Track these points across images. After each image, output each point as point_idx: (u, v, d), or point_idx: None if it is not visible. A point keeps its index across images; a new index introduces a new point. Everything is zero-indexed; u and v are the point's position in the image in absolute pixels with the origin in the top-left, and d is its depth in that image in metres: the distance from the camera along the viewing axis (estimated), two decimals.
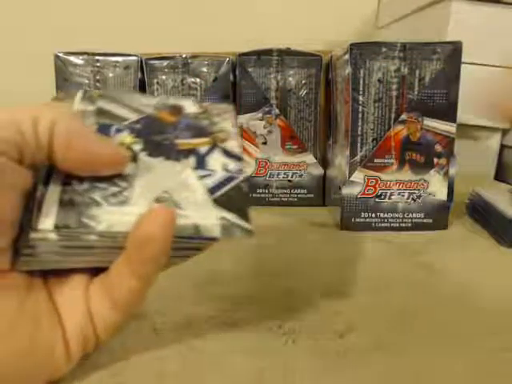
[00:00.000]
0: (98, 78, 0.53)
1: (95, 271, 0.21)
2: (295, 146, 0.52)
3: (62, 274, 0.20)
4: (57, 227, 0.18)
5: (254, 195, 0.54)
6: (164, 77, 0.53)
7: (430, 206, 0.44)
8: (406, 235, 0.43)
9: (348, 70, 0.42)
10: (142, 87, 0.53)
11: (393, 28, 0.75)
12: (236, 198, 0.21)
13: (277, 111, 0.52)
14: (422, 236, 0.42)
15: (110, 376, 0.21)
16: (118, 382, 0.21)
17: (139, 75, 0.53)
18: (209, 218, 0.20)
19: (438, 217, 0.44)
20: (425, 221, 0.44)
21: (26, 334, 0.18)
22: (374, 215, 0.44)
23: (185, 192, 0.21)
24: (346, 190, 0.43)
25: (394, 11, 0.75)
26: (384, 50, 0.42)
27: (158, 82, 0.53)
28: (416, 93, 0.42)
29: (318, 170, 0.53)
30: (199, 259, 0.23)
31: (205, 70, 0.52)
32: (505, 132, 0.67)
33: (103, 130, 0.21)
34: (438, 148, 0.43)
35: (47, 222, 0.18)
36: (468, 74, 0.45)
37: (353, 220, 0.44)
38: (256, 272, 0.34)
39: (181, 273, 0.25)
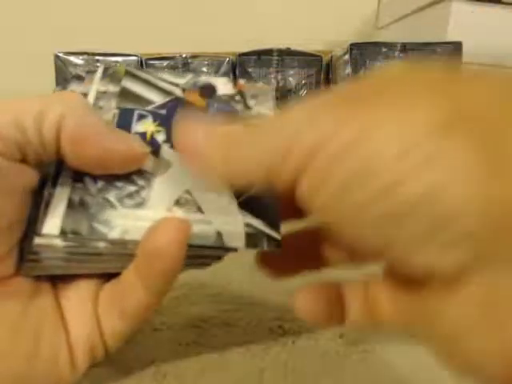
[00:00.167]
0: None
1: (106, 276, 0.19)
2: None
3: (70, 278, 0.19)
4: (63, 232, 0.16)
5: None
6: None
7: None
8: None
9: (348, 70, 0.42)
10: None
11: (393, 28, 0.75)
12: (264, 201, 0.18)
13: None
14: None
15: (110, 376, 0.21)
16: (117, 381, 0.21)
17: None
18: (233, 224, 0.18)
19: None
20: None
21: (27, 342, 0.17)
22: None
23: (208, 193, 0.18)
24: None
25: (394, 11, 0.75)
26: (384, 50, 0.42)
27: None
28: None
29: None
30: None
31: (205, 69, 0.53)
32: None
33: (124, 115, 0.19)
34: None
35: (52, 226, 0.17)
36: None
37: None
38: (256, 272, 0.34)
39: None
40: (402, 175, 0.12)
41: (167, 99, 0.20)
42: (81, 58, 0.53)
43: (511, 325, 0.12)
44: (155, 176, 0.18)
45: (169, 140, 0.19)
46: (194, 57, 0.52)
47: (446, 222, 0.12)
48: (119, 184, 0.18)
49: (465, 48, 0.41)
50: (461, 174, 0.11)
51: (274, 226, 0.18)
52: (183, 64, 0.52)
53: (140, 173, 0.18)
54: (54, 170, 0.18)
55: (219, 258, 0.20)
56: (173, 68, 0.53)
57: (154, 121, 0.20)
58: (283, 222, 0.19)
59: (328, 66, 0.52)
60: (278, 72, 0.52)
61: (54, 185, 0.17)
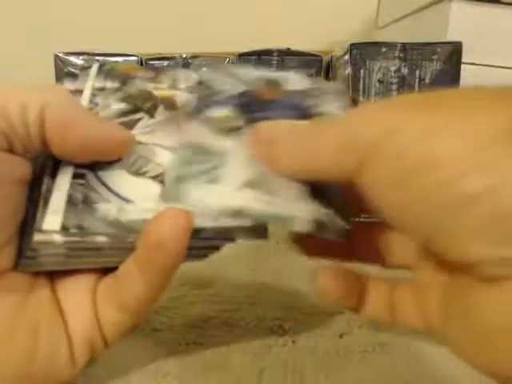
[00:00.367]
0: None
1: (104, 269, 0.19)
2: None
3: (69, 271, 0.19)
4: (64, 228, 0.16)
5: None
6: None
7: None
8: None
9: (348, 70, 0.42)
10: None
11: (393, 28, 0.75)
12: (334, 190, 0.19)
13: None
14: None
15: (110, 376, 0.21)
16: (117, 381, 0.21)
17: None
18: (302, 210, 0.18)
19: None
20: None
21: (25, 338, 0.17)
22: None
23: (279, 179, 0.18)
24: None
25: (393, 11, 0.74)
26: (384, 50, 0.42)
27: None
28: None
29: None
30: None
31: (205, 70, 0.53)
32: None
33: (201, 102, 0.20)
34: None
35: (53, 221, 0.16)
36: (468, 74, 0.45)
37: None
38: (256, 271, 0.34)
39: (180, 272, 0.25)
40: (466, 170, 0.13)
41: (242, 90, 0.21)
42: (81, 58, 0.53)
43: None
44: (229, 157, 0.19)
45: (243, 127, 0.20)
46: (194, 57, 0.52)
47: (503, 218, 0.12)
48: (195, 160, 0.18)
49: (465, 48, 0.41)
50: None
51: (343, 216, 0.18)
52: (183, 64, 0.52)
53: (215, 153, 0.19)
54: (50, 166, 0.18)
55: (217, 248, 0.20)
56: (173, 68, 0.53)
57: (230, 109, 0.20)
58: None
59: (328, 65, 0.52)
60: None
61: (52, 181, 0.17)
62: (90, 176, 0.18)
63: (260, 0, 0.85)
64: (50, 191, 0.17)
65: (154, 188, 0.18)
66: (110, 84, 0.21)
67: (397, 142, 0.14)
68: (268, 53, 0.51)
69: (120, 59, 0.53)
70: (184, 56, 0.52)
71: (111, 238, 0.17)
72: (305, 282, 0.32)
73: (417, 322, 0.18)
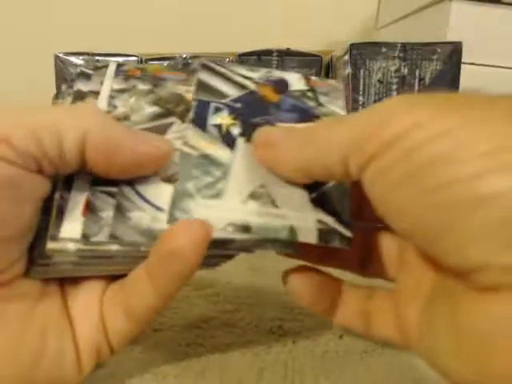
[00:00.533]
0: None
1: (112, 276, 0.19)
2: None
3: (78, 278, 0.19)
4: (85, 236, 0.16)
5: None
6: None
7: None
8: None
9: (348, 70, 0.42)
10: None
11: (393, 28, 0.75)
12: (336, 198, 0.18)
13: None
14: None
15: (109, 376, 0.21)
16: (117, 382, 0.21)
17: None
18: (306, 220, 0.18)
19: None
20: None
21: (33, 343, 0.17)
22: None
23: (282, 188, 0.18)
24: None
25: (393, 11, 0.74)
26: (384, 50, 0.42)
27: None
28: (416, 93, 0.42)
29: None
30: None
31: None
32: None
33: (201, 107, 0.20)
34: None
35: (72, 229, 0.16)
36: (468, 74, 0.45)
37: None
38: (256, 272, 0.34)
39: None
40: (487, 169, 0.12)
41: (242, 93, 0.21)
42: (81, 58, 0.53)
43: None
44: (230, 168, 0.18)
45: (244, 134, 0.19)
46: (194, 57, 0.52)
47: None
48: (196, 174, 0.18)
49: (465, 48, 0.41)
50: None
51: (346, 224, 0.18)
52: (183, 64, 0.52)
53: (216, 164, 0.18)
54: (64, 175, 0.17)
55: (231, 257, 0.20)
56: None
57: (230, 114, 0.20)
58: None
59: (328, 66, 0.52)
60: None
61: (68, 189, 0.17)
62: (122, 184, 0.18)
63: (260, 0, 0.85)
64: (64, 199, 0.17)
65: None
66: (141, 85, 0.20)
67: (413, 138, 0.13)
68: (268, 53, 0.51)
69: (120, 59, 0.53)
70: (184, 56, 0.52)
71: (125, 247, 0.17)
72: None
73: (392, 332, 0.18)
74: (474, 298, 0.13)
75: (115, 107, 0.20)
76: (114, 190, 0.18)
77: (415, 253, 0.18)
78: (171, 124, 0.20)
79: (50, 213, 0.17)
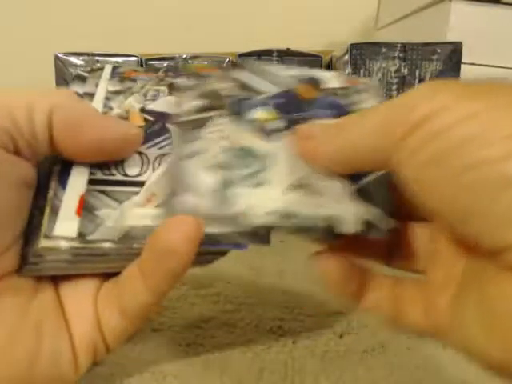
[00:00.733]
0: None
1: (107, 273, 0.19)
2: None
3: (72, 276, 0.19)
4: (81, 235, 0.16)
5: None
6: None
7: None
8: None
9: (348, 70, 0.42)
10: None
11: (393, 28, 0.75)
12: (376, 190, 0.19)
13: None
14: None
15: (109, 376, 0.21)
16: (116, 381, 0.21)
17: None
18: (346, 210, 0.18)
19: None
20: None
21: (28, 342, 0.17)
22: None
23: (322, 180, 0.18)
24: None
25: (394, 11, 0.75)
26: (384, 50, 0.42)
27: None
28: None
29: None
30: None
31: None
32: None
33: (240, 102, 0.20)
34: None
35: (67, 228, 0.16)
36: (468, 74, 0.45)
37: None
38: (256, 272, 0.34)
39: None
40: (509, 153, 0.12)
41: (280, 90, 0.21)
42: (81, 58, 0.53)
43: None
44: (271, 161, 0.19)
45: (285, 128, 0.20)
46: (194, 57, 0.52)
47: None
48: (237, 165, 0.18)
49: (465, 48, 0.41)
50: None
51: (385, 215, 0.18)
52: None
53: (255, 157, 0.19)
54: (57, 172, 0.17)
55: (224, 254, 0.20)
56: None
57: (272, 109, 0.20)
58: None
59: (328, 66, 0.52)
60: None
61: (63, 187, 0.17)
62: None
63: (260, 0, 0.85)
64: (58, 197, 0.17)
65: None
66: (186, 81, 0.21)
67: (441, 120, 0.13)
68: (268, 53, 0.51)
69: (120, 59, 0.53)
70: (184, 56, 0.52)
71: (117, 244, 0.17)
72: (305, 282, 0.32)
73: (420, 320, 0.18)
74: (505, 279, 0.13)
75: (111, 108, 0.20)
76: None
77: (447, 242, 0.18)
78: (211, 117, 0.20)
79: (43, 210, 0.17)
